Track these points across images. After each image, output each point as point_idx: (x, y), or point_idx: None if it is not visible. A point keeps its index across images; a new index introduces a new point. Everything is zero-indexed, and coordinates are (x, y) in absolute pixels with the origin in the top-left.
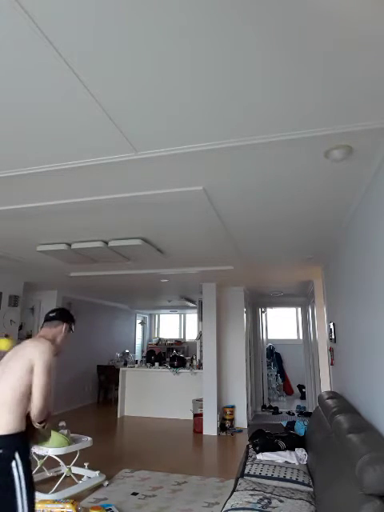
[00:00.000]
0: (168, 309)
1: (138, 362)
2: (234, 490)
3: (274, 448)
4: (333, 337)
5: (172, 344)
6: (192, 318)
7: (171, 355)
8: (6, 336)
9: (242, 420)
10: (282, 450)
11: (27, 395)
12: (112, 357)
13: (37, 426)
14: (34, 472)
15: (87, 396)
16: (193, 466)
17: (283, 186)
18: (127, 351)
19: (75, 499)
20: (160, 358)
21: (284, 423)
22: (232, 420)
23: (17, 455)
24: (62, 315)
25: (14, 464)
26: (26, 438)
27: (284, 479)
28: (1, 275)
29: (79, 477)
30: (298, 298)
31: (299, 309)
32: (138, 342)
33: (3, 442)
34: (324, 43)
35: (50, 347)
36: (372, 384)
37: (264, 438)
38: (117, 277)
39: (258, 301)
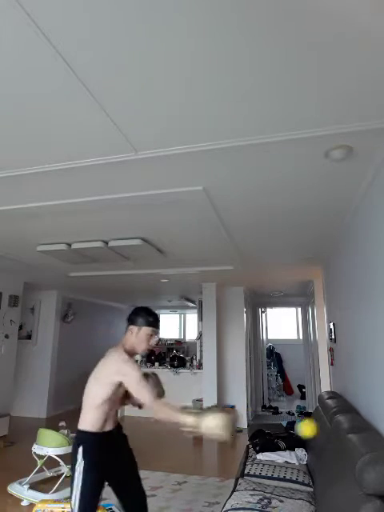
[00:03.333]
0: (168, 309)
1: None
2: (233, 490)
3: (274, 448)
4: (333, 337)
5: (172, 344)
6: (192, 317)
7: (171, 355)
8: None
9: (242, 420)
10: (282, 450)
11: (101, 404)
12: None
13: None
14: (34, 472)
15: None
16: (193, 466)
17: (283, 185)
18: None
19: None
20: (160, 358)
21: (284, 423)
22: None
23: (80, 450)
24: (129, 317)
25: (77, 457)
26: (95, 438)
27: (284, 479)
28: (1, 275)
29: None
30: (298, 298)
31: (299, 309)
32: None
33: (77, 434)
34: (324, 43)
35: (126, 360)
36: (372, 384)
37: (264, 438)
38: (117, 277)
39: (257, 301)
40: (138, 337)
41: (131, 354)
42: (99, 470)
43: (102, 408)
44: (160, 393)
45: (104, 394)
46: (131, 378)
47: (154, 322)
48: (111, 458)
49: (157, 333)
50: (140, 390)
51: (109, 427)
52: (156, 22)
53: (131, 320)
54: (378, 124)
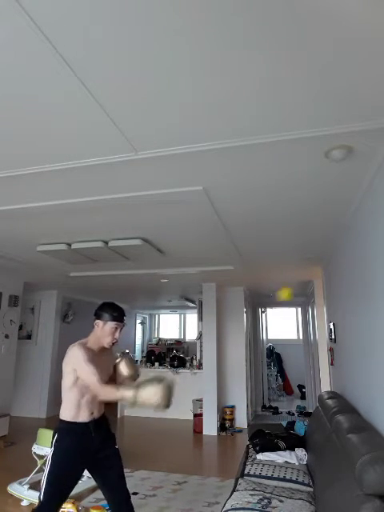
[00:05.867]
0: (168, 309)
1: (138, 362)
2: (233, 490)
3: (274, 448)
4: (333, 337)
5: (172, 344)
6: (192, 317)
7: (171, 355)
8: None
9: (242, 420)
10: (282, 450)
11: (69, 391)
12: None
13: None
14: (34, 472)
15: None
16: (193, 466)
17: (283, 185)
18: (127, 351)
19: (76, 499)
20: (160, 358)
21: (284, 423)
22: (232, 420)
23: (55, 436)
24: (96, 312)
25: (53, 441)
26: (68, 425)
27: (284, 479)
28: (1, 275)
29: None
30: (298, 298)
31: (299, 309)
32: (138, 342)
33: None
34: (324, 43)
35: (75, 350)
36: (372, 384)
37: (264, 438)
38: (117, 277)
39: (258, 301)
40: (103, 330)
41: (97, 346)
42: (66, 458)
43: (69, 396)
44: (134, 375)
45: (67, 383)
46: (79, 364)
47: (118, 317)
48: (84, 449)
49: (121, 326)
50: (86, 374)
51: (82, 418)
52: (158, 22)
53: (97, 315)
54: (378, 124)
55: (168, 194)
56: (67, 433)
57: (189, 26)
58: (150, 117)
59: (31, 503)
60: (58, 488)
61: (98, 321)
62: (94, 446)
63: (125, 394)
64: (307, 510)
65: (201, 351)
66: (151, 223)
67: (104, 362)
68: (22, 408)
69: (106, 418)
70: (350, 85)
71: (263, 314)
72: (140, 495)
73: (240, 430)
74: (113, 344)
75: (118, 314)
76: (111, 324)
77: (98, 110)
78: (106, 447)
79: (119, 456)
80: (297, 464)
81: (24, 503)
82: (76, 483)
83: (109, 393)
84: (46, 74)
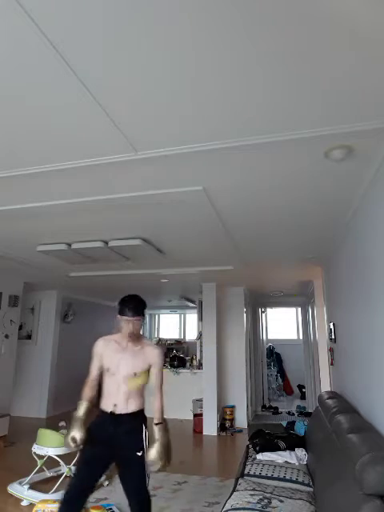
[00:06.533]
0: (168, 309)
1: None
2: (233, 490)
3: (274, 448)
4: (333, 337)
5: (172, 344)
6: (192, 317)
7: (171, 355)
8: None
9: (242, 420)
10: (282, 450)
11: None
12: None
13: None
14: (34, 472)
15: None
16: (193, 466)
17: (283, 186)
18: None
19: None
20: None
21: (284, 423)
22: (232, 420)
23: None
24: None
25: None
26: (97, 413)
27: (284, 479)
28: (1, 275)
29: None
30: (298, 298)
31: (299, 309)
32: None
33: None
34: (324, 43)
35: (96, 344)
36: (372, 384)
37: (264, 438)
38: (117, 277)
39: (258, 301)
40: (121, 324)
41: (126, 339)
42: (89, 441)
43: (94, 383)
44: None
45: (93, 370)
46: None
47: (126, 312)
48: (99, 436)
49: (131, 321)
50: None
51: (106, 407)
52: (159, 22)
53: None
54: (378, 124)
55: (168, 194)
56: (95, 418)
57: (188, 25)
58: (150, 117)
59: (31, 503)
60: (80, 472)
61: (117, 315)
62: (108, 438)
63: (79, 408)
64: (307, 510)
65: (201, 351)
66: (151, 223)
67: (134, 353)
68: (21, 408)
69: (136, 418)
70: (350, 84)
71: (263, 314)
72: None
73: (240, 430)
74: (134, 335)
75: (127, 309)
76: (122, 317)
77: (99, 110)
78: (129, 449)
79: (141, 464)
80: (297, 464)
81: (24, 503)
82: (96, 472)
83: (84, 392)
84: (47, 74)
